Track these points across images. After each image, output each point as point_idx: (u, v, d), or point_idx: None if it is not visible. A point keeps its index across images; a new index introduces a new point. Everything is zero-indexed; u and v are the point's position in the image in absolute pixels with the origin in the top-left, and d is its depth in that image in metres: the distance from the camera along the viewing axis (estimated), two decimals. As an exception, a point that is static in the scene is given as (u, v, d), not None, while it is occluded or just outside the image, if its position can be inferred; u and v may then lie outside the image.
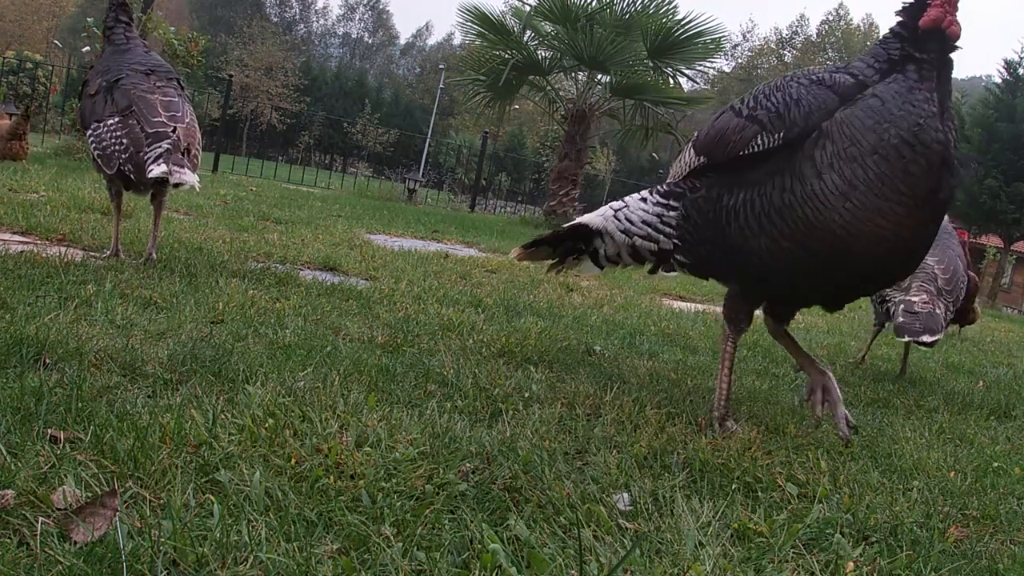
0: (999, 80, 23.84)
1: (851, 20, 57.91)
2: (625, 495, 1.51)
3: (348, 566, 1.11)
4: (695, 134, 2.25)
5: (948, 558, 1.44)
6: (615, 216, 2.34)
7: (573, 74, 12.47)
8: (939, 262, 3.20)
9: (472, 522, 1.29)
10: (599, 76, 11.57)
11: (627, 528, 1.39)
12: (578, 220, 2.46)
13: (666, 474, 1.67)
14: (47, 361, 1.73)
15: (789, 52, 58.13)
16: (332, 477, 1.36)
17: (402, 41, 75.89)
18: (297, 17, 69.77)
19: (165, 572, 1.04)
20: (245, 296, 2.69)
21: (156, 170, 2.70)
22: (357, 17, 74.00)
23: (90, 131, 3.01)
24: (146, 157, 2.77)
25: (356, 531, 1.21)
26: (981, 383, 3.63)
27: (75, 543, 1.07)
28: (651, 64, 11.00)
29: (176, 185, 2.75)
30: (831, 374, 2.19)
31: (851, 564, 1.35)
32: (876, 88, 1.85)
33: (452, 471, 1.47)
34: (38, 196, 4.64)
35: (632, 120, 11.68)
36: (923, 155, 1.78)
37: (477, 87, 11.66)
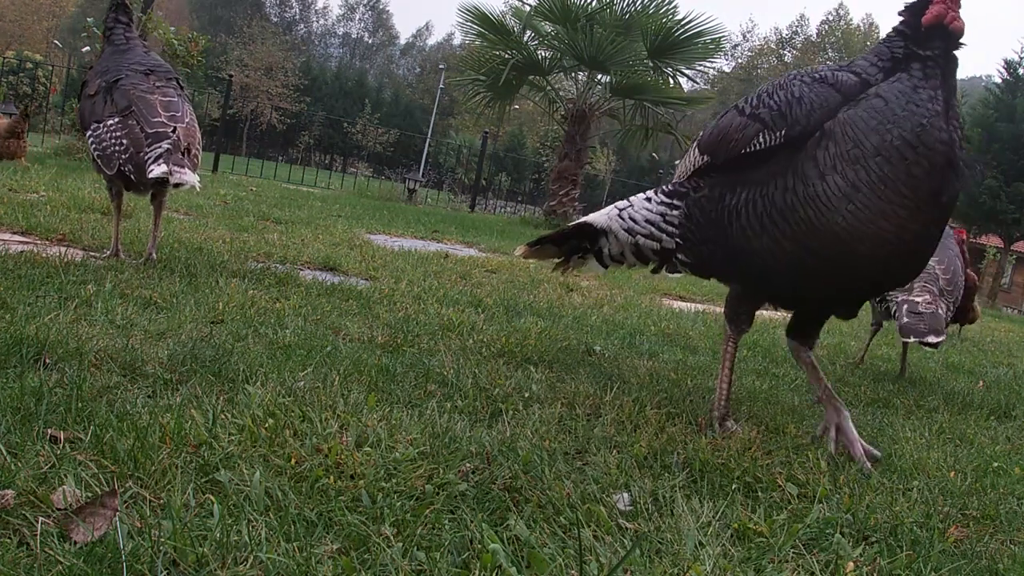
0: (999, 80, 23.87)
1: (851, 20, 57.95)
2: (625, 495, 1.51)
3: (348, 566, 1.11)
4: (700, 133, 2.24)
5: (948, 558, 1.44)
6: (619, 215, 2.34)
7: (573, 74, 12.47)
8: (940, 262, 3.20)
9: (472, 522, 1.29)
10: (599, 76, 11.58)
11: (627, 528, 1.39)
12: (583, 219, 2.46)
13: (666, 474, 1.67)
14: (47, 361, 1.73)
15: (789, 52, 58.14)
16: (332, 477, 1.36)
17: (402, 41, 76.01)
18: (297, 17, 69.80)
19: (165, 572, 1.04)
20: (245, 296, 2.69)
21: (156, 170, 2.70)
22: (357, 17, 74.08)
23: (90, 131, 3.01)
24: (146, 157, 2.77)
25: (356, 531, 1.21)
26: (981, 383, 3.63)
27: (75, 543, 1.07)
28: (651, 64, 11.01)
29: (176, 185, 2.75)
30: (847, 413, 2.06)
31: (851, 564, 1.35)
32: (880, 87, 1.83)
33: (452, 471, 1.47)
34: (38, 196, 4.64)
35: (632, 120, 11.68)
36: (926, 157, 1.76)
37: (477, 87, 11.66)
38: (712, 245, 2.10)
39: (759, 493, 1.64)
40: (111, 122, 2.92)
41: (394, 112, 49.02)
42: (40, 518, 1.10)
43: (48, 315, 2.04)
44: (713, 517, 1.45)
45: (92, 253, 3.18)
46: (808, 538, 1.44)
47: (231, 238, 4.10)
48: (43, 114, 14.85)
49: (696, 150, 2.18)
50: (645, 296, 4.87)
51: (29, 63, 21.19)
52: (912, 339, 2.92)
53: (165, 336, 2.08)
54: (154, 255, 3.10)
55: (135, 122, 2.87)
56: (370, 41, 74.59)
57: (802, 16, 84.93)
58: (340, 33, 73.85)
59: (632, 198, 2.37)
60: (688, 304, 5.05)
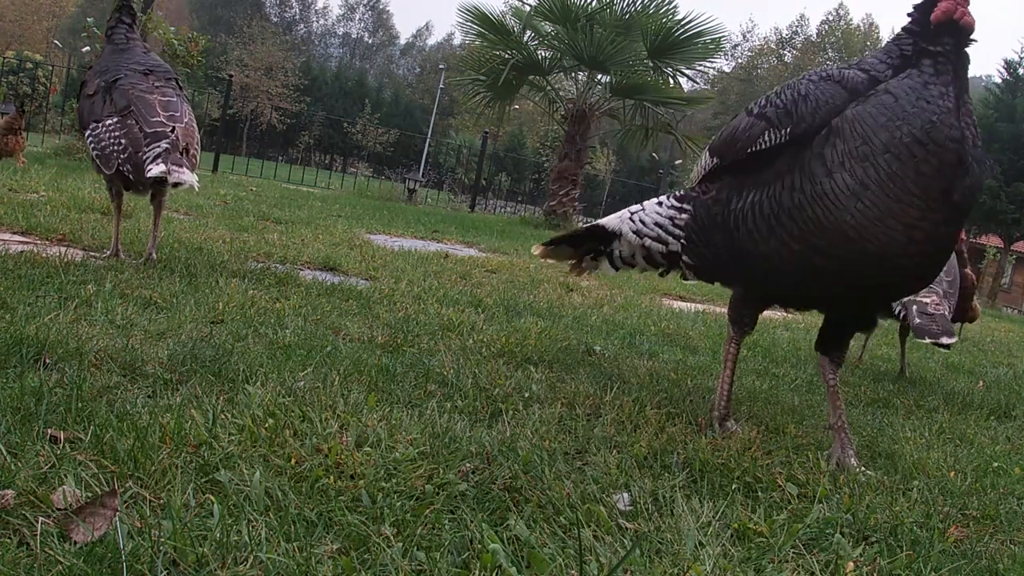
0: (999, 80, 23.89)
1: (851, 20, 57.87)
2: (625, 495, 1.51)
3: (348, 566, 1.10)
4: (712, 138, 2.24)
5: (948, 558, 1.44)
6: (631, 218, 2.37)
7: (573, 74, 12.46)
8: None
9: (472, 522, 1.29)
10: (599, 76, 11.57)
11: (627, 528, 1.39)
12: (597, 221, 2.50)
13: (666, 474, 1.67)
14: (47, 361, 1.73)
15: (789, 52, 58.12)
16: (332, 477, 1.36)
17: (402, 41, 75.93)
18: (297, 17, 69.76)
19: (165, 572, 1.04)
20: (245, 296, 2.69)
21: (155, 170, 2.70)
22: (357, 17, 74.03)
23: (89, 131, 3.01)
24: (145, 157, 2.77)
25: (356, 531, 1.21)
26: (981, 383, 3.64)
27: (75, 543, 1.07)
28: (651, 64, 11.00)
29: (175, 185, 2.76)
30: (853, 450, 1.99)
31: (851, 564, 1.35)
32: (889, 84, 1.80)
33: (452, 471, 1.47)
34: (38, 196, 4.64)
35: (632, 120, 11.68)
36: (935, 154, 1.72)
37: (477, 87, 11.65)
38: (716, 248, 2.09)
39: (759, 493, 1.64)
40: (110, 122, 2.92)
41: (394, 112, 49.00)
42: (40, 518, 1.10)
43: (48, 315, 2.04)
44: (713, 517, 1.45)
45: (92, 253, 3.18)
46: (808, 538, 1.44)
47: (231, 238, 4.10)
48: (43, 114, 14.85)
49: (707, 154, 2.18)
50: (645, 296, 4.87)
51: (29, 63, 21.18)
52: (927, 340, 2.93)
53: (165, 336, 2.08)
54: (154, 255, 3.10)
55: (134, 122, 2.87)
56: (370, 41, 74.58)
57: (802, 16, 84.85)
58: (340, 33, 73.85)
59: (645, 203, 2.40)
60: (688, 304, 5.05)
